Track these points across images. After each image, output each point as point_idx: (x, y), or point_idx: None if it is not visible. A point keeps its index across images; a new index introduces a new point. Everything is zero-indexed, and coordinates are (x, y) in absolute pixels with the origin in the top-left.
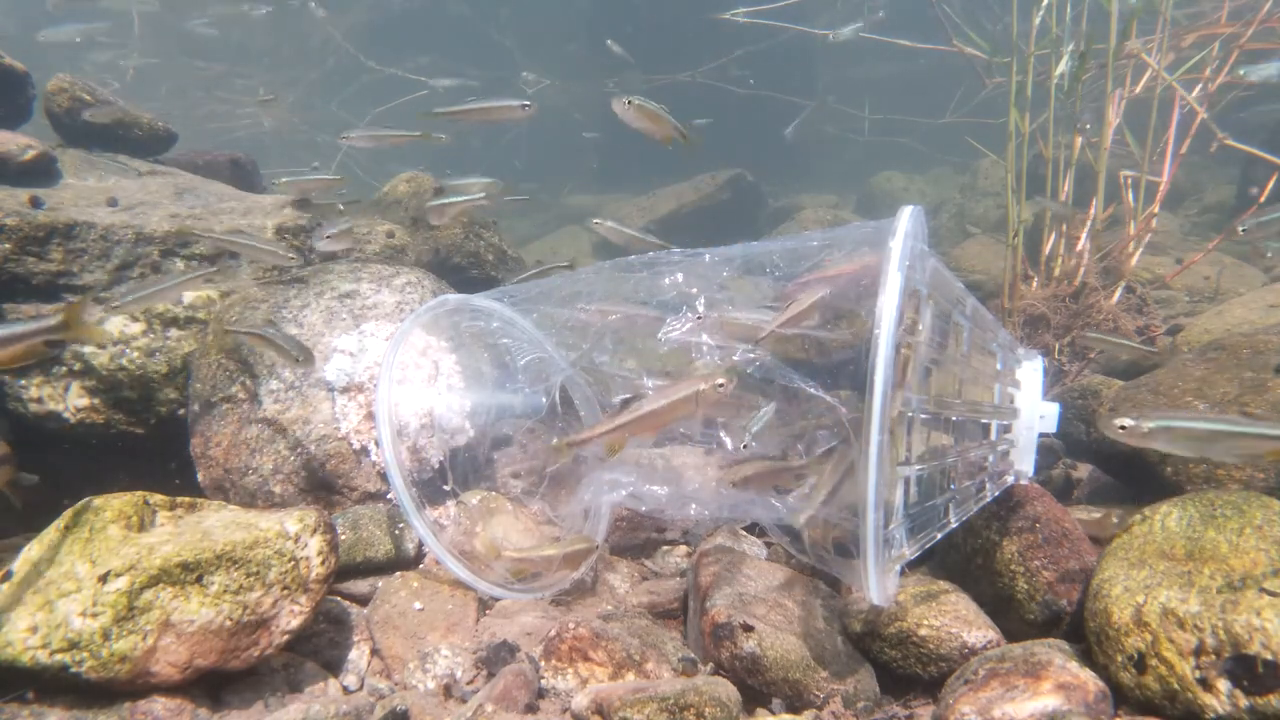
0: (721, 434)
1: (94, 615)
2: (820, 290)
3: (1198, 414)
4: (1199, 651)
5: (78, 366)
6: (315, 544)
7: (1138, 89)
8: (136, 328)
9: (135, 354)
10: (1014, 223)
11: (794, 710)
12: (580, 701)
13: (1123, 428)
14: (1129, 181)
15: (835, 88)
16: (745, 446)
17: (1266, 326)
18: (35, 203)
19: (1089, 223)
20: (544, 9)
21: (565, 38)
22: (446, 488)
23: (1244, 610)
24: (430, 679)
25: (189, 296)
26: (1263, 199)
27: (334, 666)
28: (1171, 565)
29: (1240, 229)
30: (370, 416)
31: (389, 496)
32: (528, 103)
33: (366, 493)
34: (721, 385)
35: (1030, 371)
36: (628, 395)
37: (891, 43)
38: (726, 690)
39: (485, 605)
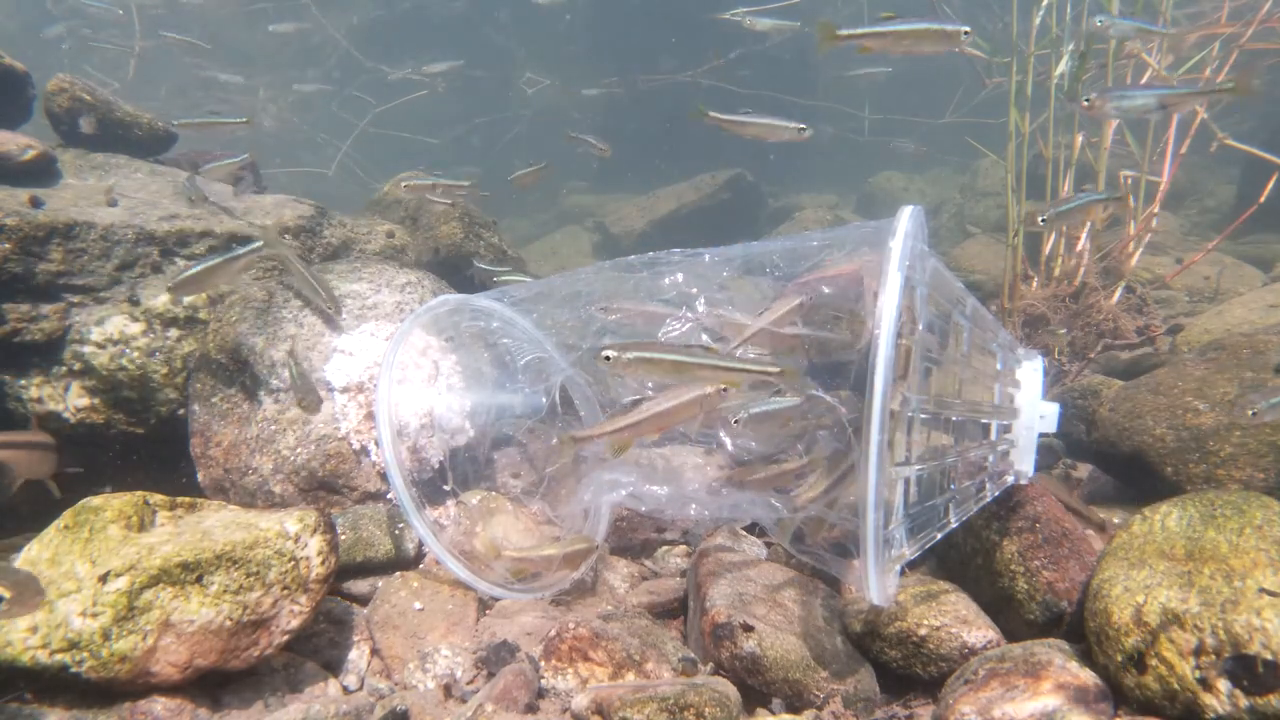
0: (721, 434)
1: (94, 615)
2: (798, 297)
3: (668, 346)
4: (1199, 651)
5: (78, 366)
6: (315, 544)
7: None
8: (136, 328)
9: (135, 354)
10: (1014, 223)
11: (794, 710)
12: (580, 701)
13: (606, 358)
14: (1129, 181)
15: (835, 88)
16: (738, 422)
17: (1266, 326)
18: (35, 203)
19: (1089, 223)
20: (544, 9)
21: (565, 38)
22: (446, 488)
23: (1244, 610)
24: (430, 679)
25: (188, 297)
26: (1262, 199)
27: (334, 666)
28: (1171, 565)
29: (1040, 219)
30: (370, 416)
31: (389, 496)
32: (804, 126)
33: (366, 493)
34: (726, 391)
35: (1030, 371)
36: (635, 396)
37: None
38: (726, 690)
39: (485, 605)
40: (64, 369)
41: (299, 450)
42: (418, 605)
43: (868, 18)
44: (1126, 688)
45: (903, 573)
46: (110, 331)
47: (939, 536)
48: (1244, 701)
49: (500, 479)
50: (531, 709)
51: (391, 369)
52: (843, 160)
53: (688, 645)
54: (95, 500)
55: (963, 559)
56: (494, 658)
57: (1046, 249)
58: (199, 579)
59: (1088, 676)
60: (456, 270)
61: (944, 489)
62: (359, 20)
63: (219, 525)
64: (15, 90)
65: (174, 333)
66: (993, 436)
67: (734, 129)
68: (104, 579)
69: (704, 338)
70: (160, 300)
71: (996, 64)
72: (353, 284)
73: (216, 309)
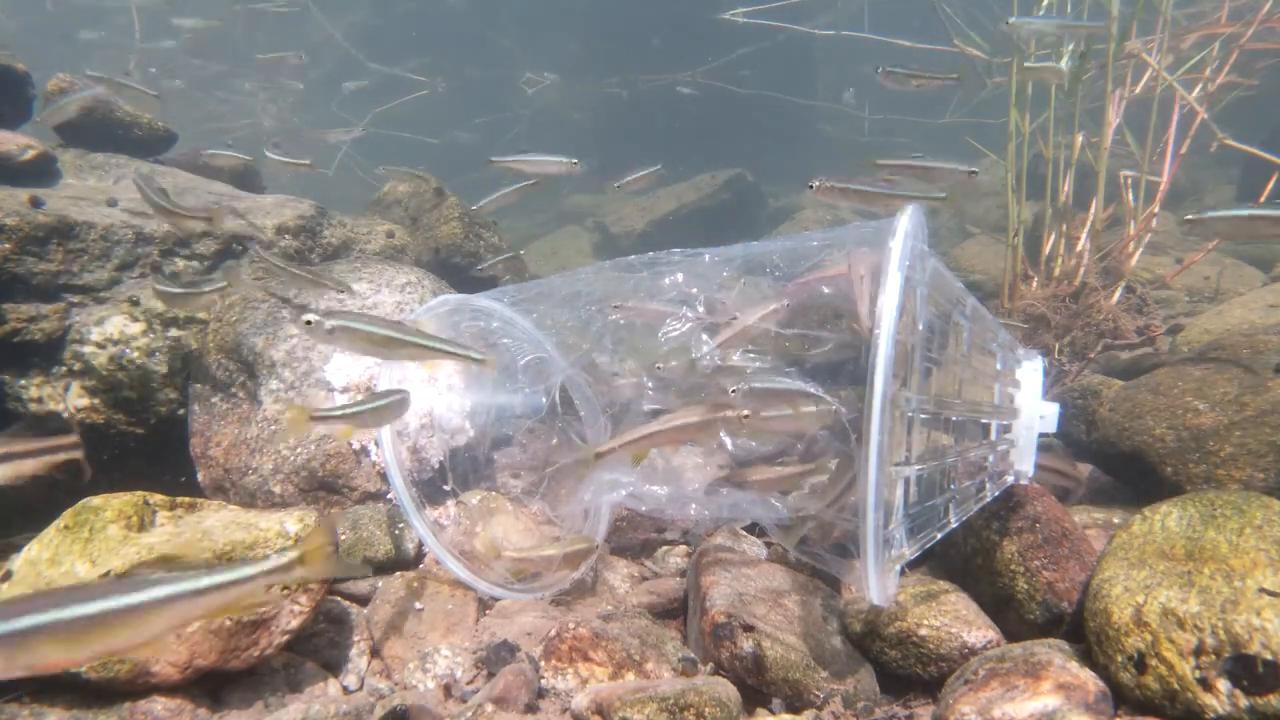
0: (722, 434)
1: None
2: (775, 303)
3: (374, 320)
4: (1199, 651)
5: (78, 366)
6: None
7: (1138, 89)
8: (136, 328)
9: (135, 354)
10: (1014, 222)
11: (794, 710)
12: (580, 701)
13: (308, 322)
14: (1129, 181)
15: (835, 87)
16: (734, 392)
17: (1266, 326)
18: (35, 203)
19: (1089, 223)
20: (544, 9)
21: (565, 37)
22: (446, 488)
23: (1244, 610)
24: (430, 679)
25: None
26: (1262, 198)
27: (334, 666)
28: (1171, 565)
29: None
30: None
31: (389, 496)
32: (974, 169)
33: (366, 493)
34: (747, 416)
35: (1030, 371)
36: (657, 408)
37: (891, 43)
38: (726, 690)
39: (485, 605)
40: (64, 369)
41: (299, 450)
42: (418, 605)
43: (868, 18)
44: (1126, 688)
45: (903, 573)
46: (110, 331)
47: (939, 536)
48: (1244, 701)
49: (500, 479)
50: (531, 709)
51: (391, 369)
52: (843, 160)
53: (688, 645)
54: (95, 500)
55: (963, 559)
56: (494, 658)
57: (1046, 249)
58: None
59: (1088, 676)
60: (457, 270)
61: (944, 489)
62: (358, 20)
63: (219, 525)
64: (15, 90)
65: (174, 333)
66: (993, 436)
67: (902, 175)
68: (104, 579)
69: (704, 338)
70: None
71: (996, 64)
72: (353, 284)
73: (217, 309)
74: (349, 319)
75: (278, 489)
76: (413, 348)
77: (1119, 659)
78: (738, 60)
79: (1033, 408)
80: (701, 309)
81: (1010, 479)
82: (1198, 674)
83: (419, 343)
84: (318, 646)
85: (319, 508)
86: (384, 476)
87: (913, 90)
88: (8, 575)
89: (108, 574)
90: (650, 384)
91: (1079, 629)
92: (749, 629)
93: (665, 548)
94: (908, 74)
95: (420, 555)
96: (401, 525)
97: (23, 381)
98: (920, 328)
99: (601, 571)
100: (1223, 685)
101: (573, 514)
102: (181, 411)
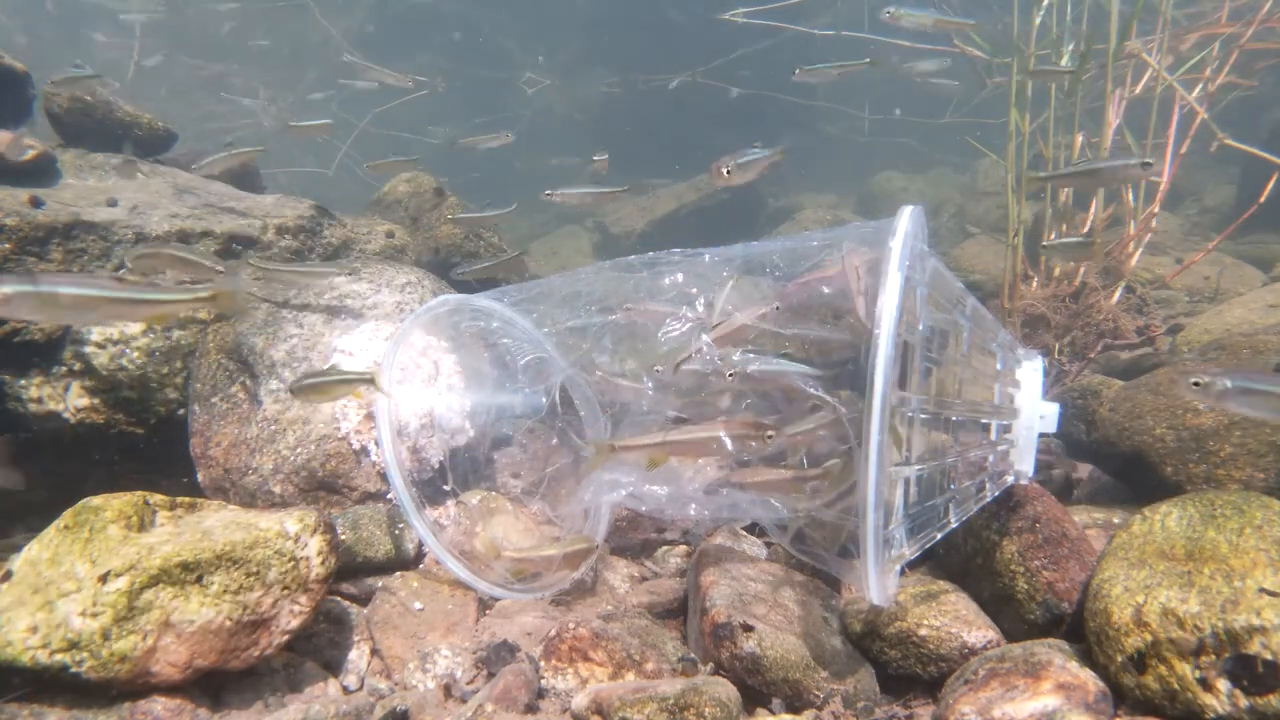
0: (721, 434)
1: (94, 615)
2: (766, 305)
3: (67, 277)
4: (1199, 651)
5: (78, 366)
6: (315, 544)
7: (1138, 89)
8: (137, 327)
9: (135, 354)
10: (1014, 222)
11: (794, 710)
12: (580, 701)
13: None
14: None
15: (836, 87)
16: (732, 376)
17: (1266, 326)
18: (35, 203)
19: (1089, 223)
20: (544, 9)
21: (565, 38)
22: (446, 488)
23: (1244, 610)
24: (430, 679)
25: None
26: (1262, 198)
27: (334, 666)
28: (1171, 565)
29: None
30: (370, 416)
31: (389, 496)
32: (1150, 160)
33: (366, 493)
34: (771, 436)
35: (1030, 371)
36: (682, 415)
37: (891, 43)
38: (726, 690)
39: (485, 605)
40: (64, 369)
41: (299, 450)
42: (418, 605)
43: (868, 18)
44: (1126, 688)
45: (903, 573)
46: (110, 331)
47: (939, 536)
48: (1244, 701)
49: (500, 479)
50: (531, 709)
51: (391, 369)
52: (843, 160)
53: (688, 645)
54: (95, 500)
55: (963, 559)
56: (494, 658)
57: None
58: (199, 579)
59: (1088, 676)
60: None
61: (944, 489)
62: (358, 20)
63: (219, 525)
64: (15, 90)
65: (174, 333)
66: (993, 436)
67: (1070, 183)
68: (104, 579)
69: (704, 338)
70: None
71: (996, 64)
72: (353, 284)
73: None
74: (35, 282)
75: (278, 489)
76: (126, 304)
77: (1119, 659)
78: (738, 60)
79: (1033, 408)
80: (701, 309)
81: (1010, 479)
82: (1198, 674)
83: (132, 296)
84: (318, 646)
85: (319, 508)
86: (384, 476)
87: (836, 78)
88: (8, 575)
89: (108, 574)
90: (650, 384)
91: (1079, 629)
92: (749, 629)
93: (665, 548)
94: (828, 67)
95: (420, 555)
96: (401, 525)
97: (23, 381)
98: (920, 328)
99: (601, 571)
100: (1223, 685)
101: (573, 514)
102: (181, 411)
